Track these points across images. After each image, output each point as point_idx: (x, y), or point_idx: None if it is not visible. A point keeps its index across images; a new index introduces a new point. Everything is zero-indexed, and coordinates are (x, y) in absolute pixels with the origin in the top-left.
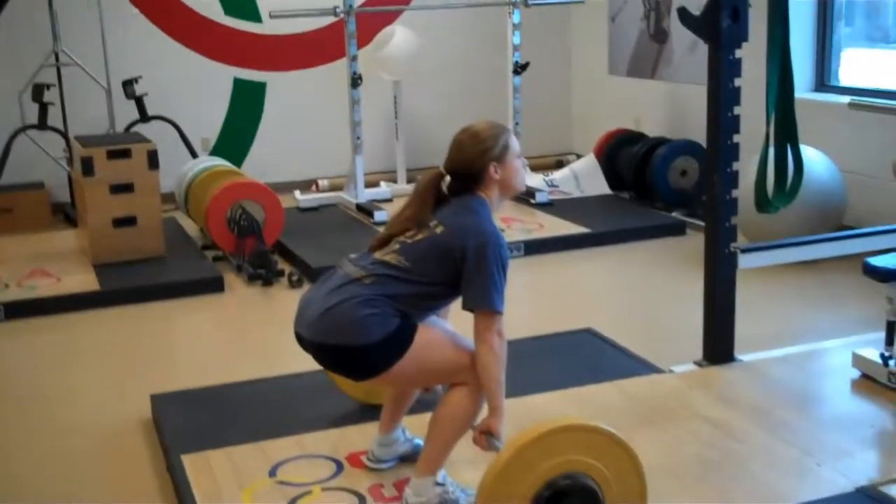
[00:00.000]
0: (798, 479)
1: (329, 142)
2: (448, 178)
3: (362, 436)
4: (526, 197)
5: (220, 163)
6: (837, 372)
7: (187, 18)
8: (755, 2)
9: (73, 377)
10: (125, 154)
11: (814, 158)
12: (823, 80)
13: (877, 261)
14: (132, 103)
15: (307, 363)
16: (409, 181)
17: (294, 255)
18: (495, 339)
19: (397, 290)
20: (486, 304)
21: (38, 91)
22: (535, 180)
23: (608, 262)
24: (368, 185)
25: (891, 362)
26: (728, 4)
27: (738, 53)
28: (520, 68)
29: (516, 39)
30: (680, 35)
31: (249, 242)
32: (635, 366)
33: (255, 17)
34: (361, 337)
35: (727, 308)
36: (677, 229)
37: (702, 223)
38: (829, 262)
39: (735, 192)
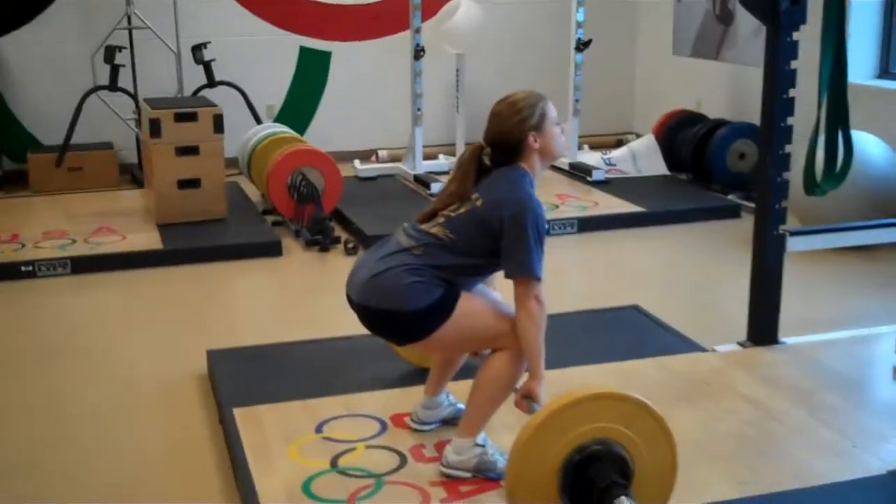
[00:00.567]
0: (832, 459)
1: (390, 113)
2: (489, 149)
3: (407, 398)
4: (582, 174)
5: (283, 130)
6: (882, 358)
7: None
8: None
9: (133, 331)
10: (192, 117)
11: (872, 145)
12: (888, 67)
13: None
14: (200, 68)
15: (358, 327)
16: None
17: (351, 222)
18: (534, 304)
19: (443, 260)
20: (524, 271)
21: (110, 53)
22: (593, 158)
23: (661, 242)
24: (427, 157)
25: None
26: None
27: (796, 36)
28: (582, 45)
29: (580, 16)
30: (745, 17)
31: (308, 209)
32: (679, 343)
33: None
34: (406, 303)
35: (773, 290)
36: (732, 212)
37: None
38: (883, 249)
39: (787, 175)
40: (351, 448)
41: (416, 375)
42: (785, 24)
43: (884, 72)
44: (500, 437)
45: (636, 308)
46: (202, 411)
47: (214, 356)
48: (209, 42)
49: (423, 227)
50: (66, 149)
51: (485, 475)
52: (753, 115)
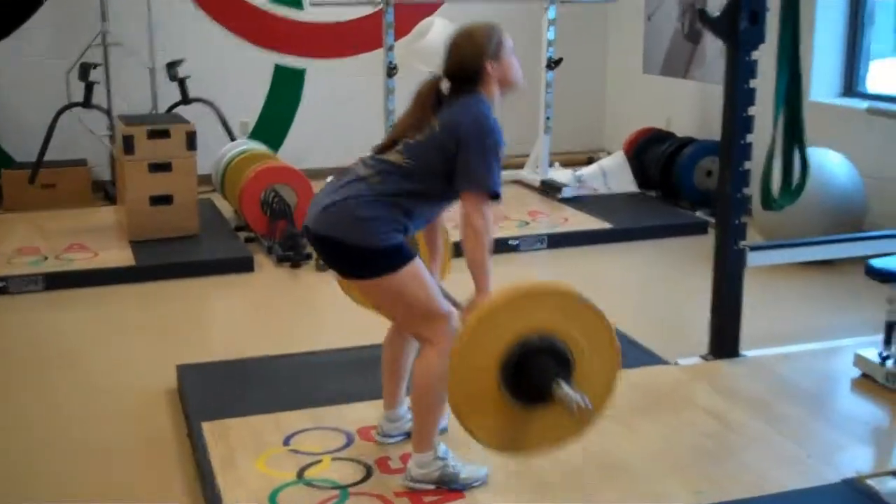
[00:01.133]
0: (788, 469)
1: (364, 130)
2: (447, 81)
3: (374, 411)
4: (553, 191)
5: (256, 146)
6: (839, 371)
7: (232, 4)
8: (773, 5)
9: (105, 347)
10: (165, 134)
11: (835, 162)
12: (851, 85)
13: (878, 262)
14: (175, 85)
15: (327, 342)
16: None
17: None
18: (479, 219)
19: (400, 186)
20: (476, 183)
21: (84, 70)
22: (563, 175)
23: (629, 258)
24: None
25: (888, 362)
26: (747, 6)
27: (755, 55)
28: (553, 64)
29: (551, 35)
30: (713, 36)
31: (281, 225)
32: (643, 356)
33: (297, 4)
34: (361, 238)
35: (734, 304)
36: (699, 228)
37: None
38: (844, 264)
39: (746, 191)
40: (317, 460)
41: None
42: (743, 43)
43: (848, 90)
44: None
45: None
46: (171, 425)
47: (184, 371)
48: (184, 59)
49: (381, 155)
50: (39, 165)
51: (448, 486)
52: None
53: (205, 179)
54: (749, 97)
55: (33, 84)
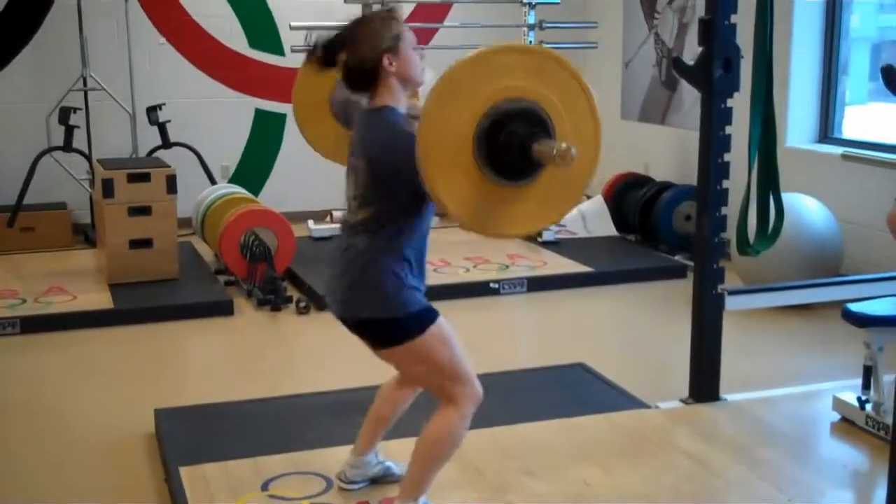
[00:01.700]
0: None
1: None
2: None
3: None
4: (533, 235)
5: (236, 190)
6: (819, 414)
7: (212, 49)
8: (747, 53)
9: (82, 391)
10: (145, 178)
11: (811, 208)
12: (827, 132)
13: (855, 306)
14: (155, 129)
15: (307, 386)
16: None
17: (303, 282)
18: None
19: (387, 235)
20: None
21: (64, 114)
22: None
23: (608, 302)
24: None
25: (867, 406)
26: (721, 55)
27: (730, 103)
28: None
29: None
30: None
31: (261, 269)
32: (623, 400)
33: (279, 50)
34: (389, 309)
35: (713, 348)
36: (678, 272)
37: None
38: (821, 308)
39: (724, 235)
40: None
41: None
42: (718, 91)
43: (823, 136)
44: (446, 495)
45: (582, 366)
46: (149, 470)
47: (162, 415)
48: (164, 104)
49: (349, 217)
50: (18, 209)
51: None
52: None
53: (185, 223)
54: (724, 144)
55: (14, 128)
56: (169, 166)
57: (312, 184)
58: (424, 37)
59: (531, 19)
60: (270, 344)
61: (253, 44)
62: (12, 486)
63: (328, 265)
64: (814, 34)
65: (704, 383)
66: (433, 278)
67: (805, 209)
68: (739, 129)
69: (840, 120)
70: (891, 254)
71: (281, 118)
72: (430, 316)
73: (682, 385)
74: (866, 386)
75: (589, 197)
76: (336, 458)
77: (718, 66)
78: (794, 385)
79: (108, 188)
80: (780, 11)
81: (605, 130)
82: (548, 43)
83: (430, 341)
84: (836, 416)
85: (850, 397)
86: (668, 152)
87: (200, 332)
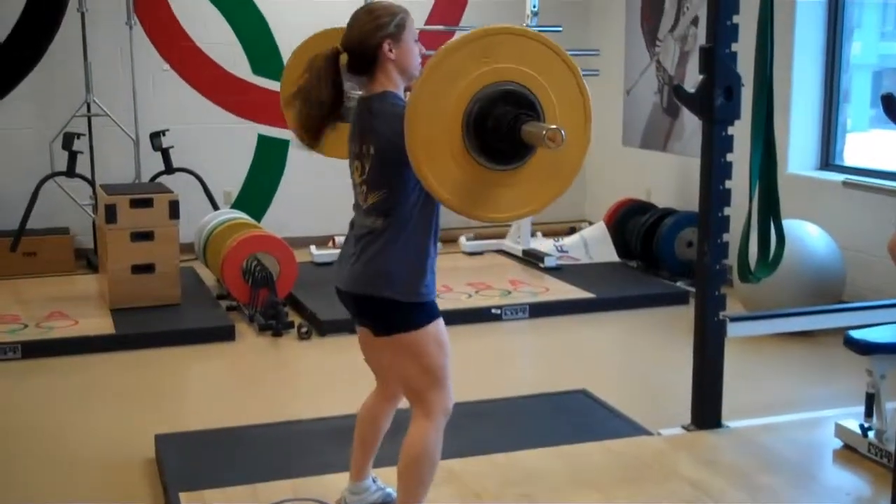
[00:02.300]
0: None
1: (347, 200)
2: (346, 55)
3: None
4: (535, 261)
5: (239, 216)
6: (821, 442)
7: (216, 75)
8: (748, 81)
9: (83, 416)
10: (147, 203)
11: (813, 235)
12: (828, 159)
13: (857, 334)
14: (158, 155)
15: (307, 411)
16: None
17: (305, 307)
18: None
19: (401, 225)
20: None
21: (68, 140)
22: (545, 245)
23: (610, 328)
24: None
25: (870, 433)
26: (722, 83)
27: (731, 130)
28: None
29: None
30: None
31: (262, 294)
32: (625, 427)
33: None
34: (404, 294)
35: (715, 375)
36: (680, 298)
37: None
38: (823, 335)
39: (725, 262)
40: None
41: None
42: (719, 119)
43: (825, 164)
44: None
45: (584, 392)
46: (149, 496)
47: (162, 440)
48: (167, 129)
49: (360, 200)
50: (21, 233)
51: None
52: None
53: (187, 248)
54: (726, 171)
55: (17, 153)
56: (172, 192)
57: (315, 209)
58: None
59: None
60: (272, 369)
61: (256, 70)
62: None
63: (343, 249)
64: (815, 62)
65: (706, 410)
66: None
67: (807, 236)
68: (740, 157)
69: (841, 147)
70: (893, 281)
71: (284, 144)
72: (435, 312)
73: (684, 411)
74: (869, 413)
75: (591, 223)
76: (336, 483)
77: (719, 94)
78: (796, 412)
79: (110, 213)
80: (780, 40)
81: (606, 156)
82: None
83: (428, 338)
84: (838, 444)
85: (853, 424)
86: (669, 179)
87: (202, 358)
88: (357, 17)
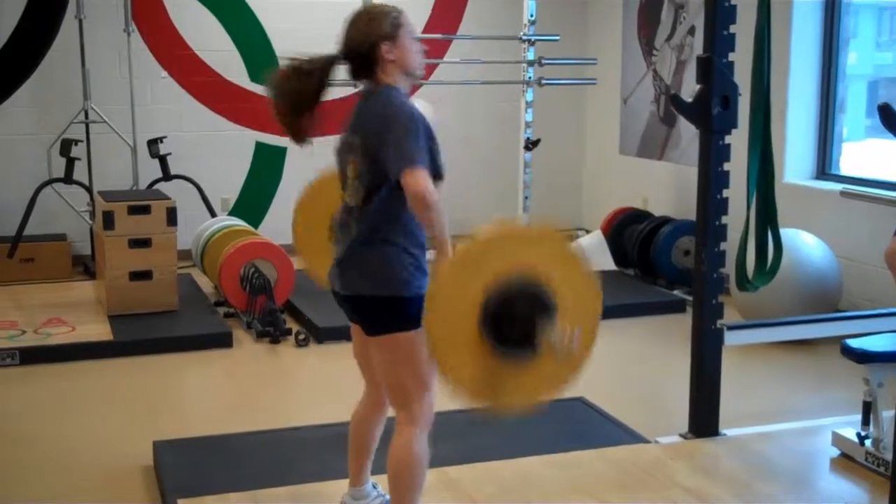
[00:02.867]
0: None
1: None
2: (344, 60)
3: None
4: None
5: (236, 223)
6: (818, 450)
7: (214, 83)
8: (745, 90)
9: (80, 422)
10: (145, 210)
11: (810, 244)
12: (824, 168)
13: (854, 342)
14: (156, 162)
15: (306, 418)
16: None
17: (303, 314)
18: (424, 191)
19: (388, 216)
20: (408, 160)
21: (66, 146)
22: None
23: (607, 336)
24: None
25: (867, 442)
26: (719, 92)
27: (728, 139)
28: (531, 144)
29: (528, 117)
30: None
31: (260, 301)
32: (622, 435)
33: None
34: (396, 288)
35: (713, 383)
36: (678, 306)
37: None
38: (820, 343)
39: (723, 271)
40: None
41: None
42: (716, 128)
43: (821, 173)
44: None
45: (582, 400)
46: (147, 503)
47: (160, 447)
48: (165, 136)
49: (347, 198)
50: (18, 240)
51: None
52: None
53: (185, 254)
54: (723, 180)
55: (15, 159)
56: (169, 198)
57: None
58: (425, 72)
59: (530, 55)
60: (269, 376)
61: (254, 77)
62: None
63: (334, 245)
64: (811, 72)
65: (704, 418)
66: None
67: (803, 245)
68: (737, 166)
69: (837, 156)
70: (889, 290)
71: (281, 151)
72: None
73: (682, 420)
74: (866, 422)
75: (588, 231)
76: (335, 490)
77: (716, 104)
78: (793, 420)
79: (108, 220)
80: (777, 49)
81: (603, 165)
82: (547, 79)
83: (417, 340)
84: (835, 452)
85: (850, 433)
86: (666, 187)
87: (199, 364)
88: (351, 23)
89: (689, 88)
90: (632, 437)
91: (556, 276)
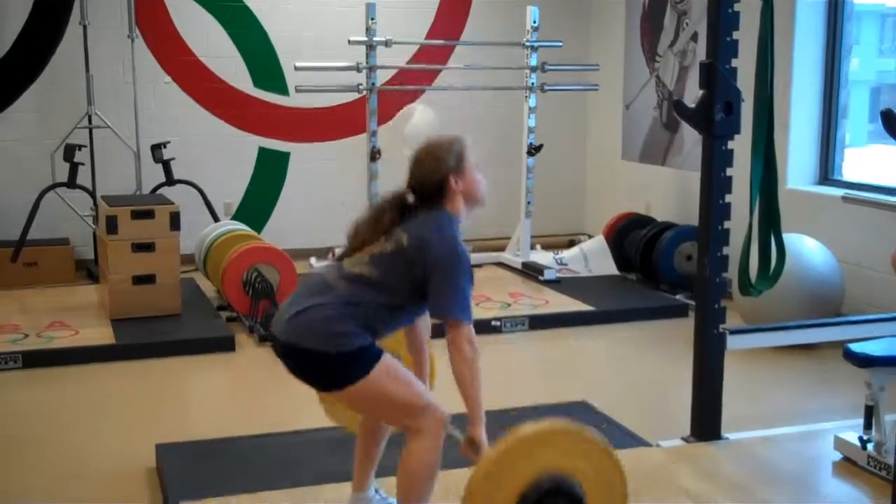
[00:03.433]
0: None
1: (347, 213)
2: (412, 195)
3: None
4: (535, 273)
5: (239, 227)
6: (820, 454)
7: (218, 88)
8: (748, 96)
9: (83, 425)
10: (148, 215)
11: (812, 249)
12: (827, 174)
13: (856, 347)
14: (159, 166)
15: (308, 421)
16: None
17: None
18: (467, 347)
19: (369, 298)
20: (453, 312)
21: (69, 151)
22: (545, 258)
23: (610, 340)
24: None
25: (869, 446)
26: (722, 98)
27: (731, 145)
28: (533, 150)
29: (531, 122)
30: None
31: (263, 305)
32: (625, 439)
33: (283, 90)
34: (331, 344)
35: (715, 387)
36: (680, 311)
37: None
38: (822, 348)
39: (725, 275)
40: None
41: None
42: (719, 133)
43: (823, 178)
44: None
45: (584, 404)
46: None
47: (163, 450)
48: (169, 141)
49: (346, 265)
50: (22, 244)
51: None
52: None
53: (188, 259)
54: (726, 185)
55: (19, 164)
56: (172, 203)
57: (314, 221)
58: (427, 78)
59: (533, 62)
60: (272, 380)
61: (257, 83)
62: None
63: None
64: (814, 78)
65: (706, 422)
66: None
67: (806, 250)
68: (740, 171)
69: (840, 162)
70: (892, 294)
71: (284, 156)
72: (370, 355)
73: (684, 424)
74: (868, 426)
75: (590, 236)
76: (337, 493)
77: (719, 109)
78: (795, 424)
79: (111, 224)
80: (780, 55)
81: (606, 170)
82: (549, 85)
83: (377, 380)
84: (837, 456)
85: (852, 437)
86: (669, 193)
87: (202, 368)
88: (419, 159)
89: (692, 94)
90: (634, 440)
91: (580, 466)
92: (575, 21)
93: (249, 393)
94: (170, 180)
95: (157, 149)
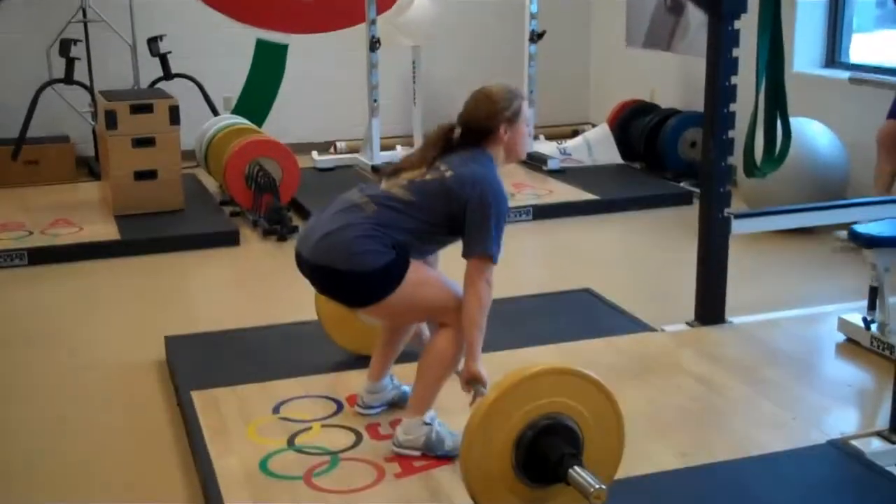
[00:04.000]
0: (773, 431)
1: (348, 105)
2: (460, 130)
3: (364, 379)
4: (538, 163)
5: (240, 121)
6: (824, 336)
7: None
8: None
9: (91, 320)
10: (147, 109)
11: (817, 132)
12: (834, 56)
13: (862, 227)
14: (157, 61)
15: (313, 312)
16: None
17: (308, 212)
18: (484, 286)
19: (398, 222)
20: (483, 250)
21: (65, 46)
22: (548, 148)
23: (614, 229)
24: (384, 148)
25: (873, 326)
26: None
27: (737, 24)
28: (536, 37)
29: (533, 8)
30: (695, 8)
31: (266, 199)
32: (629, 324)
33: None
34: (358, 264)
35: (719, 271)
36: (685, 198)
37: None
38: (825, 231)
39: (730, 160)
40: (307, 427)
41: (370, 359)
42: (726, 13)
43: (830, 61)
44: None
45: (588, 291)
46: (161, 396)
47: (172, 342)
48: (165, 34)
49: (384, 185)
50: (21, 142)
51: (433, 453)
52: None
53: (188, 155)
54: (732, 66)
55: (14, 60)
56: (171, 97)
57: (315, 115)
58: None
59: None
60: (276, 272)
61: None
62: (24, 412)
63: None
64: None
65: (710, 306)
66: None
67: (811, 133)
68: (746, 54)
69: (847, 45)
70: None
71: (282, 49)
72: (398, 271)
73: (688, 310)
74: (872, 306)
75: (594, 125)
76: (345, 382)
77: None
78: (798, 307)
79: (111, 120)
80: None
81: (609, 57)
82: None
83: (407, 292)
84: (841, 337)
85: (856, 318)
86: (673, 79)
87: (207, 263)
88: (477, 100)
89: None
90: (638, 325)
91: (580, 408)
92: None
93: (255, 286)
94: (167, 74)
95: (153, 42)
